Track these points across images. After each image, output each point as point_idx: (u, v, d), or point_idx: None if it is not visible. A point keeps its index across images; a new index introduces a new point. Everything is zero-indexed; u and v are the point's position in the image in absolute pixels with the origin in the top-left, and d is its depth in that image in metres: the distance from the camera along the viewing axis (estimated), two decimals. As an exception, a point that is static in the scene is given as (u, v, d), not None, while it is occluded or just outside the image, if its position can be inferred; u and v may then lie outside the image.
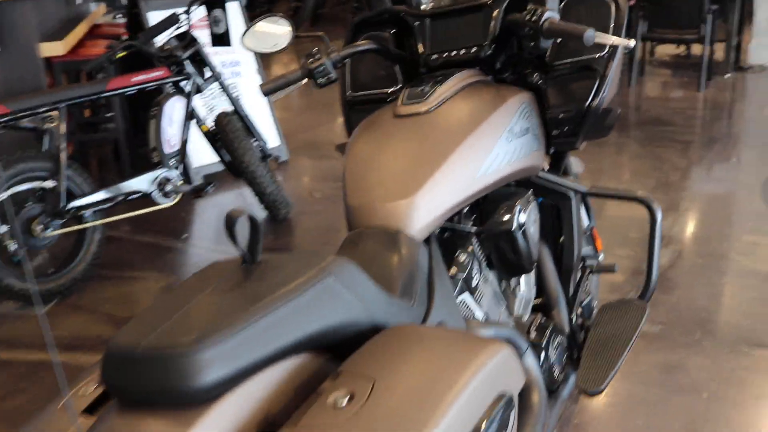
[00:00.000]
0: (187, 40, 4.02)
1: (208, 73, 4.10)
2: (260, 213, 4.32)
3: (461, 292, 1.79)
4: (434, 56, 2.07)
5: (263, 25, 2.28)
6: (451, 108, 1.84)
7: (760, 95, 7.09)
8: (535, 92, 2.08)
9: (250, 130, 4.20)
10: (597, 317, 2.30)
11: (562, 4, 2.07)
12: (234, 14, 5.31)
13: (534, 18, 1.88)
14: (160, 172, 3.87)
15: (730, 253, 3.76)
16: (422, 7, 2.20)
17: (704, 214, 4.32)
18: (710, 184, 4.76)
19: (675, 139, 5.55)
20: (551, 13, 1.88)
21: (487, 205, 1.91)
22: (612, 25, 2.04)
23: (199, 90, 4.06)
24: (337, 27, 11.04)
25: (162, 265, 3.92)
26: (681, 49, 8.24)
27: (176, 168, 3.92)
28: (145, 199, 3.87)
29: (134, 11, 5.05)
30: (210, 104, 4.95)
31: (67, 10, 5.15)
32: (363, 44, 2.06)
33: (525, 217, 1.87)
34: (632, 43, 1.92)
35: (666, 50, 8.17)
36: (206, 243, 4.25)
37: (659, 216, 2.24)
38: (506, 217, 1.85)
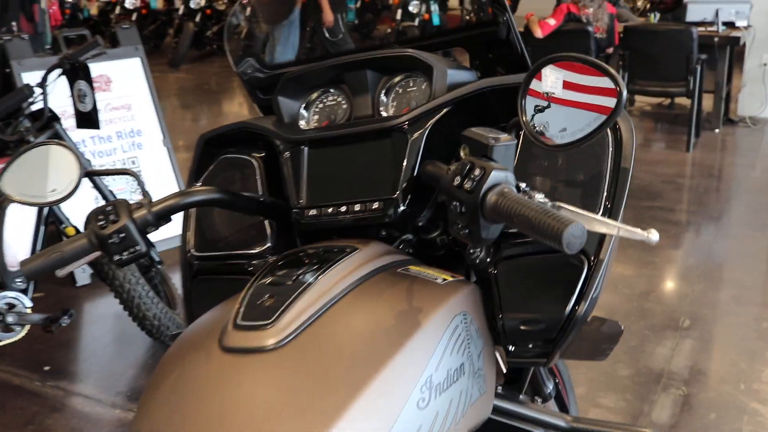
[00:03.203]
0: (43, 119, 3.08)
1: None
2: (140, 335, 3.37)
3: None
4: (312, 212, 1.25)
5: (32, 161, 1.35)
6: (319, 342, 0.98)
7: (753, 154, 6.26)
8: (480, 279, 1.20)
9: (130, 232, 3.26)
10: None
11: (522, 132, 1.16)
12: (134, 72, 4.39)
13: (469, 186, 0.98)
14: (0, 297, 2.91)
15: (751, 403, 2.86)
16: (301, 124, 1.35)
17: (710, 334, 3.42)
18: (713, 288, 3.86)
19: (666, 220, 4.67)
20: (500, 175, 0.98)
21: None
22: (607, 172, 1.17)
23: (59, 184, 3.11)
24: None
25: (7, 420, 2.95)
26: (663, 99, 7.44)
27: (24, 290, 2.96)
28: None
29: (6, 71, 4.09)
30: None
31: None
32: (200, 192, 1.22)
33: None
34: (655, 237, 1.00)
35: (647, 99, 7.35)
36: (71, 381, 3.28)
37: None
38: None
